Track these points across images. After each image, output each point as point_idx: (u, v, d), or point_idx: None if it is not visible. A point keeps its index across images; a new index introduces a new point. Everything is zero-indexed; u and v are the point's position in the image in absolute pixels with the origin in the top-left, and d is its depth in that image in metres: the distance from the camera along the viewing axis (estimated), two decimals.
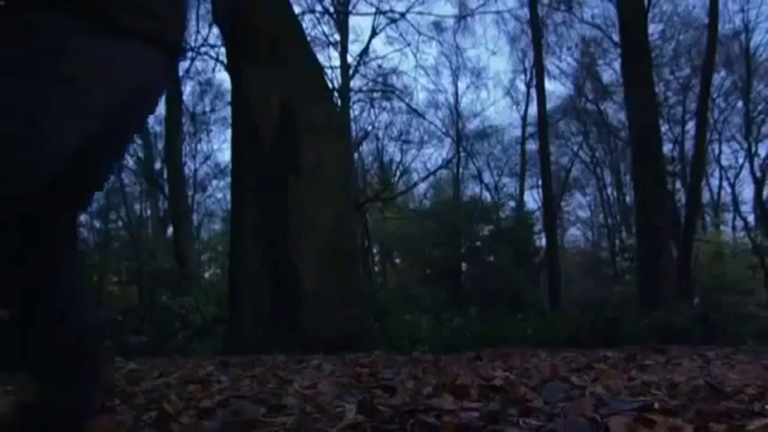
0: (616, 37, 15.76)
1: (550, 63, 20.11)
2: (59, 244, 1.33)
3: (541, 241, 17.32)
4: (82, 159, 1.24)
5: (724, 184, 22.06)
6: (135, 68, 1.23)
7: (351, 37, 19.31)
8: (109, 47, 1.17)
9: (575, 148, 23.92)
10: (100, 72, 1.17)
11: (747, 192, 21.52)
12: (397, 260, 22.86)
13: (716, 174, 21.85)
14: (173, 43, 1.30)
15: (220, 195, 23.04)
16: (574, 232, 28.94)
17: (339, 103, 16.27)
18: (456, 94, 23.02)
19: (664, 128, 16.57)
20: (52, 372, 1.29)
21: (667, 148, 17.13)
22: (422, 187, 24.20)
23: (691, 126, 17.95)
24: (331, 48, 18.75)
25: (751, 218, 20.90)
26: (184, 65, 15.98)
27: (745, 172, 19.67)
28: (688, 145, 17.94)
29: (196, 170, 21.28)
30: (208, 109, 20.23)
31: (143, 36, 1.22)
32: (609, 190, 25.68)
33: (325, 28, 18.77)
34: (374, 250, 21.94)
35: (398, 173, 22.73)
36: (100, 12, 1.15)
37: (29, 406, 1.28)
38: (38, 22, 1.12)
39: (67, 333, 1.30)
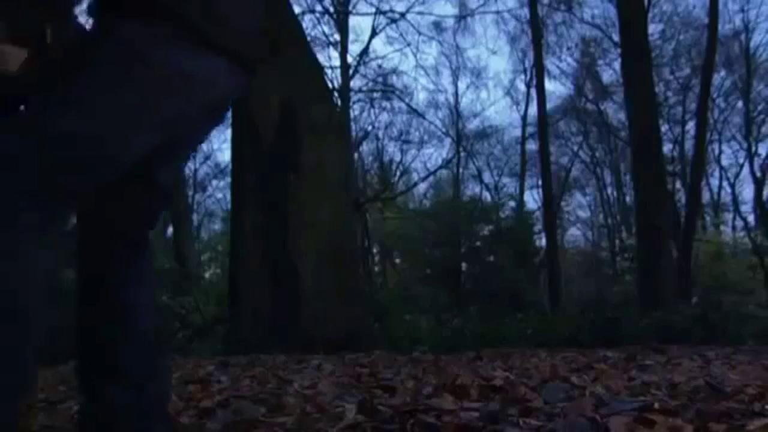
0: (616, 37, 15.78)
1: (550, 63, 20.14)
2: (134, 257, 1.35)
3: (541, 241, 17.34)
4: (148, 168, 1.27)
5: (724, 184, 22.10)
6: (213, 83, 1.24)
7: (351, 37, 19.35)
8: (192, 60, 1.17)
9: (575, 148, 23.95)
10: (181, 84, 1.18)
11: (747, 192, 21.60)
12: (397, 260, 22.87)
13: (716, 174, 21.89)
14: (252, 61, 1.30)
15: (220, 195, 23.08)
16: (574, 232, 28.98)
17: (339, 103, 16.27)
18: (456, 94, 23.06)
19: (664, 128, 16.58)
20: (138, 372, 1.32)
21: (667, 148, 17.15)
22: (422, 187, 24.24)
23: (691, 126, 17.96)
24: (331, 48, 18.77)
25: (751, 218, 20.93)
26: None
27: (745, 172, 19.70)
28: (688, 145, 17.96)
29: (196, 170, 21.31)
30: None
31: (225, 51, 1.22)
32: (609, 190, 25.71)
33: (325, 28, 18.79)
34: (374, 250, 21.95)
35: (398, 173, 22.76)
36: (187, 24, 1.15)
37: (104, 407, 1.30)
38: (126, 31, 1.13)
39: (148, 333, 1.35)
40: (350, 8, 18.75)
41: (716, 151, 21.11)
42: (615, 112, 20.75)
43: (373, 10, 18.27)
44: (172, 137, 1.25)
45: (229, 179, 10.06)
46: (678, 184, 18.77)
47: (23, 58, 1.15)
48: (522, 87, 23.00)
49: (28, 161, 1.10)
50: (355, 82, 19.20)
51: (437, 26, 20.71)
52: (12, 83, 1.17)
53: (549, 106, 17.13)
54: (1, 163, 1.08)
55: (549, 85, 23.28)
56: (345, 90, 17.87)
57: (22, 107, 1.19)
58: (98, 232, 1.34)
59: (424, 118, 21.38)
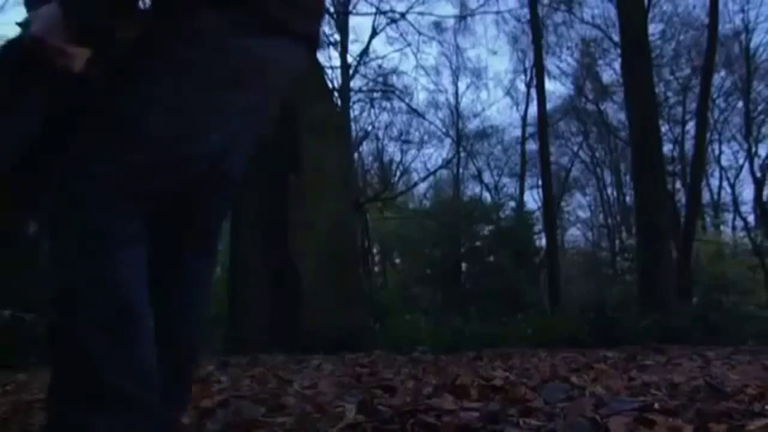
0: (616, 37, 15.77)
1: (550, 63, 20.12)
2: (199, 251, 1.32)
3: (541, 241, 17.33)
4: (222, 158, 1.23)
5: (724, 184, 22.08)
6: (284, 68, 1.22)
7: (351, 37, 19.33)
8: (265, 47, 1.15)
9: (575, 148, 23.94)
10: (256, 72, 1.16)
11: (747, 192, 21.49)
12: (397, 260, 22.86)
13: (716, 174, 21.86)
14: (315, 38, 1.27)
15: None
16: (574, 232, 28.94)
17: (339, 103, 16.27)
18: (456, 94, 23.03)
19: (664, 128, 16.58)
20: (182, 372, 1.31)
21: (667, 148, 17.15)
22: (422, 187, 24.21)
23: (691, 126, 17.96)
24: (331, 48, 18.75)
25: (751, 218, 20.92)
26: None
27: (745, 173, 19.69)
28: (688, 145, 17.95)
29: None
30: None
31: (296, 34, 1.20)
32: (609, 190, 25.69)
33: (325, 28, 18.76)
34: (374, 250, 21.94)
35: (398, 173, 22.75)
36: (259, 9, 1.13)
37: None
38: (199, 22, 1.11)
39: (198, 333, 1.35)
40: (350, 8, 18.77)
41: (716, 151, 21.13)
42: (615, 112, 20.76)
43: (374, 10, 18.29)
44: (244, 127, 1.22)
45: None
46: (678, 184, 18.77)
47: (87, 57, 1.13)
48: (522, 87, 22.98)
49: (114, 165, 1.08)
50: (355, 82, 19.21)
51: (437, 26, 20.71)
52: (78, 82, 1.15)
53: (549, 106, 17.11)
54: (86, 171, 1.08)
55: (549, 85, 23.16)
56: (345, 90, 17.87)
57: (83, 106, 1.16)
58: (168, 228, 1.28)
59: (424, 118, 21.40)
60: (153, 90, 1.10)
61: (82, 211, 1.07)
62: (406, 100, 20.31)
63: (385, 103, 20.13)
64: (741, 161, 20.56)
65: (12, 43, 1.15)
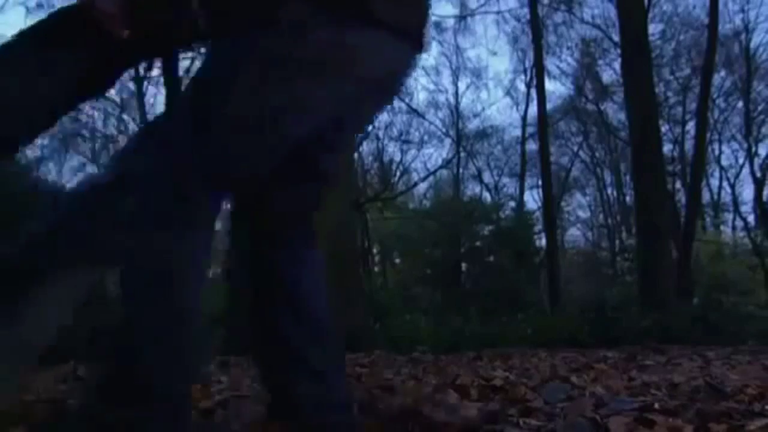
0: (616, 37, 15.75)
1: (550, 63, 20.09)
2: (300, 243, 1.34)
3: (541, 242, 17.31)
4: (310, 152, 1.23)
5: (724, 184, 22.06)
6: (378, 59, 1.19)
7: None
8: (355, 36, 1.14)
9: (575, 148, 23.92)
10: (344, 62, 1.14)
11: (747, 192, 21.47)
12: (397, 260, 22.85)
13: (716, 174, 21.84)
14: (418, 35, 1.26)
15: None
16: (574, 232, 28.91)
17: None
18: (456, 94, 22.98)
19: (664, 128, 16.57)
20: (317, 360, 1.31)
21: (667, 148, 17.13)
22: (422, 187, 24.18)
23: (691, 126, 17.95)
24: None
25: (751, 218, 20.91)
26: (184, 65, 15.95)
27: (745, 172, 19.69)
28: (688, 145, 17.94)
29: None
30: None
31: (390, 26, 1.18)
32: (609, 190, 25.68)
33: None
34: (374, 250, 21.94)
35: (398, 173, 22.72)
36: (353, 2, 1.13)
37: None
38: (285, 11, 1.11)
39: (323, 321, 1.35)
40: None
41: (716, 151, 21.11)
42: (615, 112, 20.73)
43: None
44: (334, 119, 1.21)
45: None
46: (678, 184, 18.77)
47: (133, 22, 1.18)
48: (522, 87, 22.94)
49: (195, 152, 1.09)
50: None
51: (437, 26, 20.65)
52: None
53: (549, 106, 17.08)
54: (168, 156, 1.09)
55: (549, 85, 23.15)
56: None
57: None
58: (263, 218, 1.31)
59: (424, 118, 21.36)
60: (237, 78, 1.11)
61: (160, 195, 1.08)
62: (406, 100, 20.28)
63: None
64: (741, 161, 20.58)
65: (64, 10, 1.22)
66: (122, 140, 18.63)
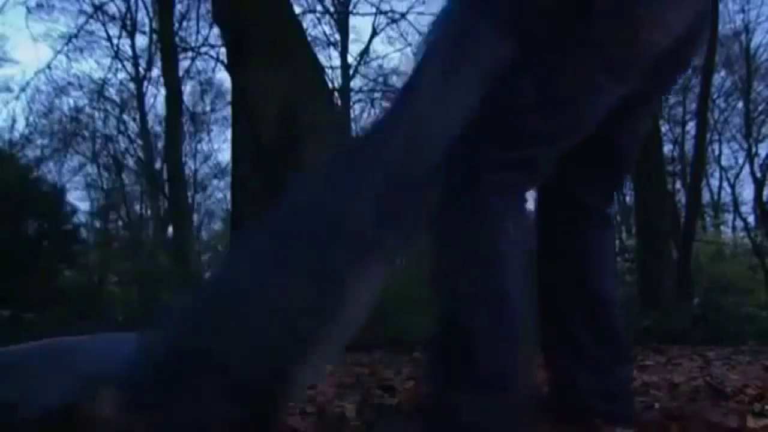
0: None
1: None
2: (597, 223, 1.31)
3: None
4: (608, 130, 1.20)
5: (724, 184, 22.03)
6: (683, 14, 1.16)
7: (351, 37, 19.29)
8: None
9: None
10: (658, 25, 1.11)
11: (747, 192, 21.43)
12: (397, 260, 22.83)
13: (716, 174, 21.81)
14: None
15: (220, 195, 23.02)
16: None
17: (339, 103, 16.26)
18: None
19: (664, 128, 16.57)
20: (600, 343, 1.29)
21: (667, 148, 17.12)
22: None
23: (691, 126, 17.94)
24: (332, 48, 18.74)
25: (751, 219, 20.87)
26: (184, 65, 15.98)
27: (745, 173, 19.65)
28: (688, 145, 17.93)
29: (196, 170, 21.27)
30: (208, 108, 20.19)
31: None
32: None
33: (326, 28, 18.75)
34: None
35: None
36: None
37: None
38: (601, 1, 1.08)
39: (611, 303, 1.33)
40: (351, 8, 18.74)
41: (716, 152, 21.08)
42: None
43: (374, 10, 18.24)
44: (632, 93, 1.17)
45: (229, 179, 10.05)
46: (678, 184, 18.75)
47: None
48: None
49: (496, 134, 1.08)
50: (356, 83, 19.17)
51: None
52: None
53: None
54: (481, 144, 1.07)
55: None
56: (345, 90, 17.86)
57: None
58: (561, 199, 1.29)
59: None
60: (556, 69, 1.09)
61: (475, 185, 1.07)
62: None
63: (386, 104, 20.10)
64: (741, 161, 20.56)
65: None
66: (122, 140, 18.62)
